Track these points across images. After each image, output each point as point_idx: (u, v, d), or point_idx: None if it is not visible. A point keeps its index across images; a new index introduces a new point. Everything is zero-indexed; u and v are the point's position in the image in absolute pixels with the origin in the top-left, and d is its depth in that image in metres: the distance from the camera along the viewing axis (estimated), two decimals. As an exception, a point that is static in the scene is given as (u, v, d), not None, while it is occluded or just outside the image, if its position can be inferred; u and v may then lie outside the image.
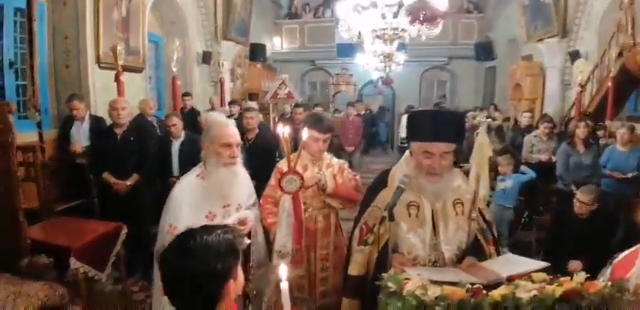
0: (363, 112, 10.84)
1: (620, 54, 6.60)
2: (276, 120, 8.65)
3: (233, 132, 2.31)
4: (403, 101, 15.02)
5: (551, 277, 1.56)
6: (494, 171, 6.11)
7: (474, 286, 1.31)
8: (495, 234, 2.15)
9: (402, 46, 9.99)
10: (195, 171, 2.35)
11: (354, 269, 2.03)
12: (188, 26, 8.54)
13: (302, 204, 2.50)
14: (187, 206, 2.18)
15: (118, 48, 5.53)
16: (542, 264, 1.83)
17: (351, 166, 8.49)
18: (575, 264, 3.30)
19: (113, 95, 5.14)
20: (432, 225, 1.96)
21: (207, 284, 1.23)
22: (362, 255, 1.99)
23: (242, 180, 2.39)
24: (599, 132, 6.17)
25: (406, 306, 1.22)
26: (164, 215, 2.23)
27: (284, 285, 1.15)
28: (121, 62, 5.53)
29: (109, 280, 3.59)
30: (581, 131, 4.86)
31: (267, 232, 2.79)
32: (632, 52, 5.76)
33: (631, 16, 5.64)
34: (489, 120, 4.44)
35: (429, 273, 1.71)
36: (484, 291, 1.28)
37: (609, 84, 6.70)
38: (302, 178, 2.38)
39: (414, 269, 1.74)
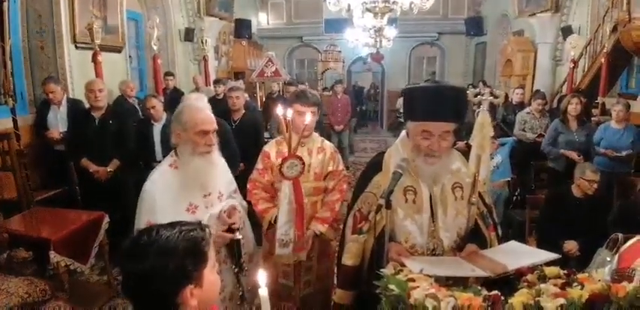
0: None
1: (614, 29, 6.46)
2: (264, 99, 8.46)
3: (208, 118, 2.08)
4: (392, 78, 14.83)
5: (566, 272, 1.47)
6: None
7: (492, 293, 1.20)
8: (496, 219, 2.05)
9: (393, 21, 9.74)
10: (167, 160, 2.15)
11: (348, 259, 1.91)
12: (169, 2, 8.18)
13: (302, 190, 2.39)
14: (164, 200, 1.99)
15: (94, 26, 5.24)
16: (552, 256, 1.73)
17: (341, 147, 8.42)
18: (570, 245, 3.27)
19: (91, 76, 4.90)
20: (430, 210, 1.84)
21: (157, 287, 1.07)
22: (357, 244, 1.88)
23: (220, 167, 2.23)
24: (595, 111, 6.11)
25: None
26: (138, 213, 2.03)
27: (262, 292, 1.02)
28: (98, 41, 5.26)
29: (94, 271, 3.47)
30: (573, 108, 4.76)
31: (255, 217, 2.68)
32: (627, 28, 5.62)
33: (628, -10, 5.47)
34: (491, 97, 4.30)
35: (431, 266, 1.61)
36: (502, 298, 1.17)
37: (603, 60, 6.59)
38: (303, 163, 2.26)
39: (414, 262, 1.63)
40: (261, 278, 1.03)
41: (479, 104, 2.19)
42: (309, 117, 2.41)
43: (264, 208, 2.67)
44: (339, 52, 11.41)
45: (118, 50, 6.27)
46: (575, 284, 1.30)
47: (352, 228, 1.91)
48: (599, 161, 4.64)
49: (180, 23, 8.61)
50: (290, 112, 2.29)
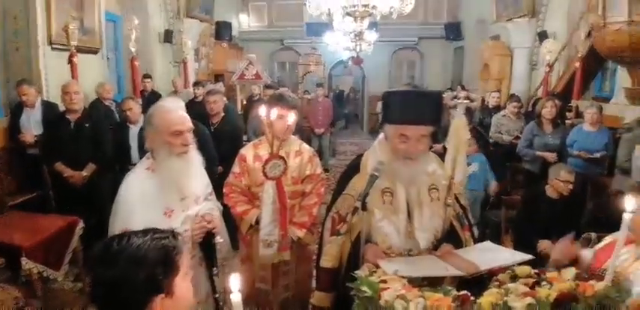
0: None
1: (588, 34, 6.63)
2: (244, 102, 8.42)
3: (181, 118, 2.04)
4: (373, 82, 14.93)
5: (537, 271, 1.49)
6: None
7: (461, 293, 1.21)
8: (471, 220, 2.08)
9: (373, 25, 9.80)
10: (143, 163, 2.11)
11: (327, 262, 1.91)
12: (148, 3, 8.12)
13: (285, 190, 2.39)
14: (140, 204, 1.94)
15: (70, 27, 5.15)
16: (525, 257, 1.76)
17: (321, 149, 8.42)
18: (544, 244, 3.31)
19: (67, 79, 4.81)
20: (407, 212, 1.86)
21: (126, 296, 1.05)
22: (335, 246, 1.88)
23: (197, 168, 2.20)
24: (569, 114, 6.26)
25: None
26: (113, 218, 1.98)
27: (235, 297, 1.01)
28: (74, 42, 5.17)
29: (68, 278, 3.39)
30: (547, 111, 4.87)
31: (233, 220, 2.66)
32: (601, 33, 5.75)
33: (602, -4, 5.61)
34: (467, 101, 4.39)
35: (407, 267, 1.62)
36: (472, 298, 1.18)
37: (577, 64, 6.76)
38: (285, 162, 2.26)
39: (390, 263, 1.64)
40: (234, 283, 1.02)
41: (455, 107, 2.23)
42: (292, 119, 2.41)
43: (243, 210, 2.64)
44: (320, 55, 11.46)
45: (95, 52, 6.17)
46: (544, 283, 1.32)
47: (330, 229, 1.91)
48: (573, 162, 4.74)
49: (159, 25, 8.53)
50: (274, 113, 2.28)
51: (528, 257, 1.73)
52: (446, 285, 1.65)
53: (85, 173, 3.96)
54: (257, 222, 2.54)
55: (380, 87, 13.52)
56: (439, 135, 2.09)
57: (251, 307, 2.81)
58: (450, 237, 1.90)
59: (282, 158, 2.24)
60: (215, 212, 2.19)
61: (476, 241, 2.03)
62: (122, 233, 1.16)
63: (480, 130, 6.18)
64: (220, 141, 3.79)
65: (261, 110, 2.19)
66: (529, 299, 1.14)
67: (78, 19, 5.67)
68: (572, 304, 1.17)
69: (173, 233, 1.18)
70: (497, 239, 3.98)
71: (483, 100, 7.45)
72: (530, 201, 3.58)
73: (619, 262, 1.54)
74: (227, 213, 2.61)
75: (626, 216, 1.35)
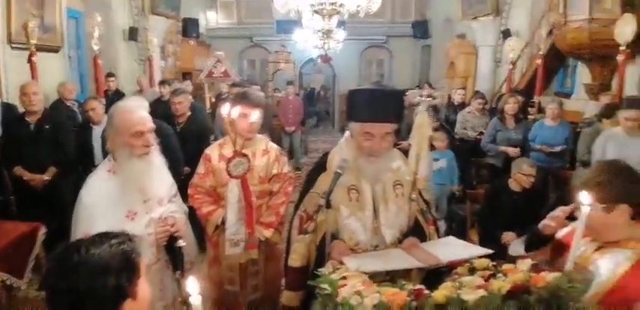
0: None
1: (550, 32, 6.85)
2: (212, 100, 8.32)
3: (141, 118, 2.00)
4: (344, 80, 14.99)
5: (494, 264, 1.52)
6: (430, 149, 6.27)
7: (416, 287, 1.24)
8: (435, 215, 2.13)
9: (341, 24, 9.83)
10: (105, 165, 2.07)
11: (295, 261, 1.92)
12: (112, 0, 7.88)
13: (250, 188, 2.37)
14: (102, 207, 1.91)
15: (30, 25, 4.98)
16: (484, 251, 1.81)
17: (292, 148, 8.38)
18: (508, 236, 3.42)
19: (27, 79, 4.65)
20: (373, 208, 1.90)
21: (95, 306, 1.04)
22: (303, 245, 1.89)
23: (160, 169, 2.16)
24: (531, 109, 6.46)
25: None
26: (74, 222, 1.94)
27: (194, 300, 1.01)
28: (34, 41, 5.01)
29: (32, 285, 3.28)
30: (510, 107, 5.02)
31: (198, 222, 2.63)
32: (562, 31, 5.97)
33: (563, -5, 5.82)
34: (429, 98, 4.46)
35: (370, 261, 1.65)
36: (426, 292, 1.21)
37: (539, 62, 6.98)
38: (249, 160, 2.24)
39: (355, 259, 1.67)
40: (192, 286, 1.01)
41: (418, 105, 2.27)
42: (255, 117, 2.39)
43: (208, 211, 2.60)
44: (290, 53, 11.41)
45: (56, 50, 5.98)
46: (500, 275, 1.36)
47: (298, 228, 1.92)
48: (535, 156, 4.90)
49: (123, 22, 8.32)
50: (235, 111, 2.25)
51: (488, 251, 1.78)
52: (412, 279, 1.69)
53: (46, 176, 3.83)
54: (223, 222, 2.52)
55: (350, 86, 13.44)
56: (403, 132, 2.13)
57: (220, 309, 2.80)
58: (415, 232, 1.94)
59: (245, 156, 2.22)
60: (178, 214, 2.16)
61: (440, 235, 2.09)
62: (77, 242, 1.14)
63: (446, 127, 6.31)
64: (187, 142, 3.72)
65: (223, 109, 2.17)
66: (481, 292, 1.17)
67: (38, 17, 5.50)
68: (524, 295, 1.20)
69: (129, 237, 1.17)
70: (464, 233, 4.09)
71: (450, 97, 7.60)
72: (493, 194, 3.69)
73: (579, 253, 1.60)
74: (194, 215, 2.58)
75: (584, 209, 1.40)
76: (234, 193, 2.35)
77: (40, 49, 5.25)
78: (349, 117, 1.92)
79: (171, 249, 2.03)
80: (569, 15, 5.81)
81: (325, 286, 1.27)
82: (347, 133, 2.01)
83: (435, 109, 6.73)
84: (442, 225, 5.05)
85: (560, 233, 1.78)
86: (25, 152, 3.81)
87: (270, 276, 2.78)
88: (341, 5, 4.85)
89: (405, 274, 1.73)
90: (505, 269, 1.38)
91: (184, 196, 2.64)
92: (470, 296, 1.15)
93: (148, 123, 2.03)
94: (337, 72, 15.46)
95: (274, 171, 2.70)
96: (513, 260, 1.55)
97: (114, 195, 1.96)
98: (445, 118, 6.61)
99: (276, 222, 2.63)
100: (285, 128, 8.31)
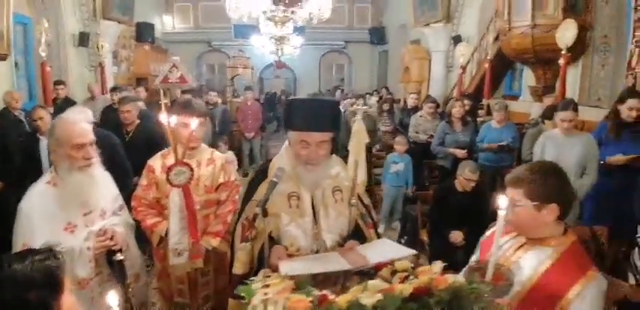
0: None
1: (496, 38, 7.15)
2: (168, 106, 8.17)
3: (83, 130, 1.99)
4: (304, 84, 15.09)
5: (413, 266, 1.56)
6: (386, 150, 6.41)
7: (320, 293, 1.27)
8: (375, 218, 2.18)
9: (301, 29, 9.91)
10: (45, 177, 2.04)
11: (238, 269, 1.90)
12: (61, 4, 7.66)
13: (192, 196, 2.33)
14: (41, 219, 1.88)
15: (-26, 32, 4.76)
16: (410, 252, 1.88)
17: (252, 154, 8.28)
18: (455, 235, 3.53)
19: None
20: (313, 214, 1.94)
21: None
22: (244, 253, 1.88)
23: (102, 182, 2.13)
24: (481, 112, 6.71)
25: None
26: (15, 234, 1.90)
27: None
28: (-22, 48, 4.78)
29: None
30: (457, 110, 5.20)
31: (143, 233, 2.57)
32: (507, 36, 6.25)
33: (507, 2, 6.08)
34: (365, 107, 4.61)
35: (302, 265, 1.68)
36: (331, 297, 1.24)
37: (487, 66, 7.27)
38: (192, 169, 2.22)
39: (289, 263, 1.71)
40: (112, 299, 1.04)
41: (353, 113, 2.34)
42: (195, 125, 2.37)
43: (152, 223, 2.54)
44: (248, 58, 11.39)
45: (2, 57, 5.74)
46: (412, 277, 1.39)
47: (241, 236, 1.93)
48: (484, 157, 5.10)
49: (73, 27, 8.08)
50: (174, 120, 2.22)
51: (412, 251, 1.85)
52: (353, 282, 1.73)
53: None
54: (167, 233, 2.47)
55: (311, 90, 13.70)
56: (340, 140, 2.18)
57: None
58: (355, 235, 1.99)
59: (186, 165, 2.20)
60: (119, 227, 2.12)
61: (380, 237, 2.14)
62: (1, 257, 1.14)
63: (400, 130, 6.47)
64: (136, 150, 3.64)
65: (162, 117, 2.16)
66: (378, 296, 1.20)
67: (-16, 23, 5.27)
68: (424, 298, 1.23)
69: (53, 252, 1.18)
70: (416, 232, 4.20)
71: (405, 101, 7.79)
72: (440, 195, 3.81)
73: (501, 251, 1.66)
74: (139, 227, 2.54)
75: (501, 213, 1.42)
76: (176, 202, 2.33)
77: (-15, 56, 5.04)
78: (287, 125, 1.96)
79: (110, 263, 2.01)
80: (513, 21, 6.09)
81: (243, 294, 1.30)
82: (287, 142, 2.04)
83: (390, 113, 6.90)
84: (397, 226, 5.18)
85: (484, 236, 1.85)
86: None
87: (221, 286, 2.72)
88: (293, 12, 4.90)
89: (349, 277, 1.77)
90: (419, 271, 1.42)
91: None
92: (368, 299, 1.20)
93: (89, 135, 2.02)
94: (298, 76, 15.57)
95: (221, 180, 2.67)
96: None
97: (53, 207, 1.93)
98: (399, 122, 6.77)
99: (223, 231, 2.59)
100: (245, 134, 8.25)
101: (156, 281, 2.74)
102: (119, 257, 1.99)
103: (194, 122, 2.31)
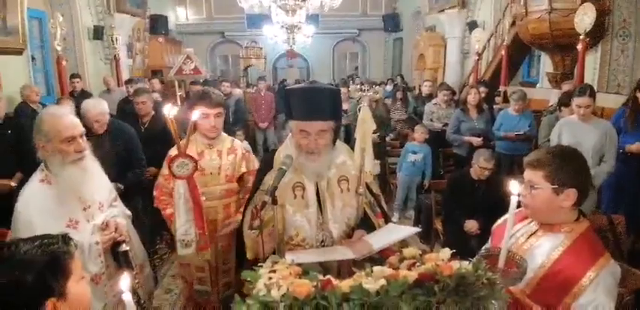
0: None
1: (513, 23, 7.00)
2: (183, 97, 8.24)
3: (71, 123, 1.93)
4: (318, 74, 15.02)
5: (421, 253, 1.55)
6: (400, 140, 6.37)
7: (324, 278, 1.28)
8: (384, 207, 2.16)
9: (314, 18, 9.83)
10: (36, 176, 1.95)
11: (249, 254, 1.96)
12: (75, -1, 7.74)
13: (198, 187, 2.32)
14: (41, 220, 1.81)
15: (-10, 28, 4.86)
16: (412, 230, 1.88)
17: (266, 144, 8.31)
18: (470, 224, 3.51)
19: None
20: (318, 204, 1.93)
21: (16, 300, 1.09)
22: (250, 240, 1.92)
23: (95, 174, 2.08)
24: (497, 98, 6.61)
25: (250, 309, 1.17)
26: (14, 235, 1.85)
27: (126, 296, 1.04)
28: (-6, 45, 4.88)
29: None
30: (472, 97, 5.11)
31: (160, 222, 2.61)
32: (523, 21, 6.12)
33: (524, -14, 5.95)
34: (370, 94, 4.53)
35: (311, 254, 1.69)
36: (335, 282, 1.24)
37: (503, 52, 7.14)
38: (194, 161, 2.20)
39: (296, 254, 1.72)
40: (124, 282, 1.05)
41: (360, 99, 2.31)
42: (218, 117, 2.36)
43: (172, 212, 2.56)
44: (261, 48, 11.34)
45: (18, 52, 5.85)
46: (419, 264, 1.38)
47: (249, 223, 1.95)
48: (501, 145, 5.04)
49: (87, 21, 8.17)
50: (195, 114, 2.23)
51: (415, 229, 1.88)
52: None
53: (13, 183, 3.75)
54: None
55: (325, 79, 13.65)
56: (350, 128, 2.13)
57: (190, 308, 2.81)
58: (364, 224, 1.99)
59: (189, 157, 2.19)
60: (120, 219, 2.12)
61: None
62: (11, 240, 1.19)
63: (414, 118, 6.42)
64: (152, 141, 3.69)
65: (165, 109, 2.08)
66: (382, 281, 1.20)
67: (-1, 19, 5.37)
68: (429, 283, 1.23)
69: (64, 238, 1.21)
70: (430, 221, 4.19)
71: (420, 89, 7.71)
72: (455, 183, 3.78)
73: (514, 239, 1.64)
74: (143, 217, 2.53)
75: (513, 199, 1.39)
76: (181, 194, 2.32)
77: (3, 51, 5.14)
78: (287, 115, 1.95)
79: (115, 254, 2.00)
80: (530, 6, 5.96)
81: (249, 279, 1.32)
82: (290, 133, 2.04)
83: (403, 102, 6.84)
84: (411, 215, 5.17)
85: (496, 223, 1.83)
86: (-13, 157, 3.74)
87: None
88: (304, 0, 4.86)
89: (359, 266, 1.77)
90: (426, 258, 1.41)
91: (152, 198, 2.68)
92: (371, 285, 1.21)
93: (79, 127, 1.97)
94: (311, 65, 15.49)
95: (243, 169, 2.70)
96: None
97: (51, 205, 1.88)
98: (413, 110, 6.71)
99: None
100: (259, 124, 8.29)
101: (178, 268, 2.76)
102: (124, 247, 1.99)
103: (215, 112, 2.31)
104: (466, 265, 1.31)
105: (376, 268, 1.29)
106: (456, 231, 3.57)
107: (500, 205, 3.33)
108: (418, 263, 1.38)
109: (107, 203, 2.14)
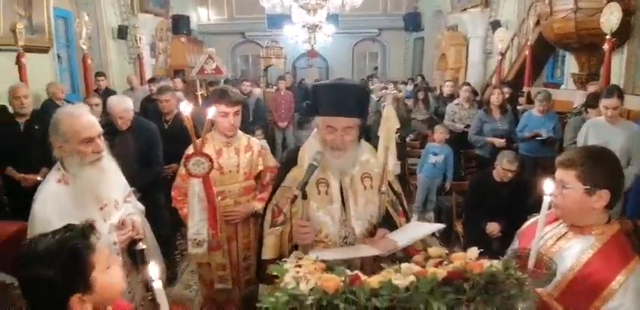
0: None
1: (537, 23, 6.88)
2: (205, 97, 8.32)
3: (90, 123, 1.88)
4: (337, 73, 15.01)
5: (447, 252, 1.53)
6: (421, 140, 6.32)
7: (353, 272, 1.29)
8: (406, 206, 2.16)
9: (334, 17, 9.81)
10: (53, 175, 1.91)
11: (267, 254, 1.95)
12: (100, -2, 7.89)
13: (213, 187, 2.32)
14: (57, 220, 1.74)
15: (18, 26, 4.99)
16: (436, 227, 1.86)
17: (285, 143, 8.33)
18: (492, 226, 3.48)
19: (16, 80, 4.67)
20: (342, 200, 1.94)
21: (43, 296, 1.10)
22: (273, 237, 1.93)
23: (112, 173, 2.05)
24: (521, 99, 6.50)
25: (278, 302, 1.17)
26: (31, 233, 1.82)
27: (157, 284, 1.04)
28: (21, 42, 5.01)
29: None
30: (495, 98, 5.05)
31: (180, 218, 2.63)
32: (548, 21, 6.02)
33: (550, -14, 5.84)
34: (394, 91, 4.49)
35: (332, 253, 1.69)
36: (363, 277, 1.24)
37: (527, 52, 7.02)
38: (210, 160, 2.19)
39: (320, 251, 1.72)
40: (153, 271, 1.05)
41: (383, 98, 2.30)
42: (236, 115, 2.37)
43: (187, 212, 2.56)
44: (281, 48, 11.40)
45: (44, 50, 6.00)
46: (446, 262, 1.38)
47: (271, 221, 1.96)
48: (525, 147, 4.96)
49: (112, 20, 8.33)
50: (212, 112, 2.21)
51: (439, 226, 1.86)
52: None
53: (39, 177, 3.84)
54: None
55: (344, 79, 13.61)
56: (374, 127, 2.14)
57: (209, 307, 2.81)
58: (386, 222, 1.98)
59: (205, 155, 2.18)
60: (136, 216, 2.11)
61: None
62: (36, 236, 1.19)
63: (435, 119, 6.36)
64: (175, 139, 3.74)
65: (182, 106, 2.10)
66: (411, 278, 1.20)
67: (26, 17, 5.51)
68: (459, 281, 1.23)
69: (83, 232, 1.20)
70: (450, 223, 4.15)
71: (441, 90, 7.64)
72: (477, 184, 3.73)
73: (543, 241, 1.63)
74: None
75: (546, 199, 1.38)
76: (195, 192, 2.31)
77: (29, 50, 5.27)
78: (314, 111, 1.96)
79: (132, 252, 2.00)
80: (555, 5, 5.85)
81: (275, 273, 1.32)
82: (315, 129, 2.03)
83: (425, 102, 6.78)
84: (431, 217, 5.12)
85: (524, 226, 1.81)
86: (15, 153, 3.84)
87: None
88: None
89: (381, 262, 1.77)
90: (453, 257, 1.41)
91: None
92: (401, 281, 1.20)
93: (97, 127, 1.93)
94: (330, 65, 15.49)
95: (260, 167, 2.71)
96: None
97: (69, 206, 1.84)
98: (434, 111, 6.65)
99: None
100: (278, 123, 8.32)
101: (197, 267, 2.75)
102: (142, 246, 1.98)
103: (234, 111, 2.32)
104: (496, 263, 1.29)
105: (404, 265, 1.28)
106: (477, 234, 3.52)
107: (522, 208, 3.33)
108: (445, 262, 1.37)
109: (122, 200, 2.12)
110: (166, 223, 3.55)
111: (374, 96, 6.29)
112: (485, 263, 1.29)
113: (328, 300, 1.17)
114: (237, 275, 2.68)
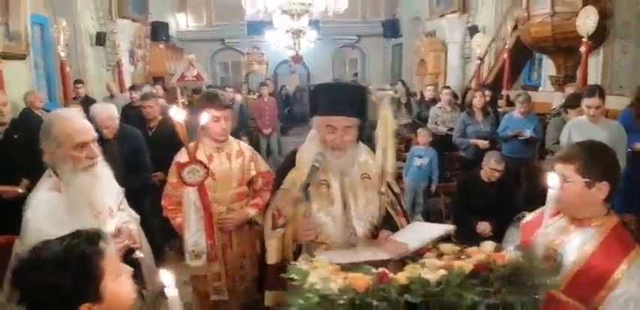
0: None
1: (514, 27, 7.04)
2: (186, 104, 8.22)
3: (83, 127, 1.80)
4: (317, 80, 15.04)
5: (460, 248, 1.56)
6: (404, 144, 6.36)
7: (379, 270, 1.28)
8: (405, 206, 2.17)
9: (315, 24, 9.86)
10: (45, 183, 1.83)
11: (271, 258, 1.93)
12: (77, 4, 7.77)
13: (208, 195, 2.26)
14: (50, 228, 1.68)
15: (-6, 33, 4.86)
16: (447, 228, 1.87)
17: (269, 149, 8.26)
18: (483, 226, 3.51)
19: (-8, 89, 4.53)
20: (342, 201, 1.93)
21: (48, 305, 1.03)
22: (275, 240, 1.91)
23: (105, 178, 1.97)
24: (500, 101, 6.62)
25: (309, 303, 1.15)
26: (22, 243, 1.76)
27: (170, 291, 1.01)
28: (-1, 49, 4.87)
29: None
30: (477, 100, 5.16)
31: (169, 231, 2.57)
32: (526, 25, 6.17)
33: (526, -10, 6.00)
34: (392, 92, 4.53)
35: (341, 256, 1.67)
36: (390, 275, 1.25)
37: (505, 56, 7.17)
38: (206, 167, 2.13)
39: (327, 254, 1.70)
40: (167, 278, 1.01)
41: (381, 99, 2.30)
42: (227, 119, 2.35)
43: (182, 221, 2.50)
44: (263, 54, 11.41)
45: (21, 57, 5.85)
46: (464, 257, 1.40)
47: (272, 225, 1.94)
48: (507, 148, 5.04)
49: (90, 27, 8.19)
50: (203, 118, 2.18)
51: (451, 227, 1.86)
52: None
53: (20, 189, 3.71)
54: None
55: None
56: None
57: None
58: (387, 223, 1.98)
59: (201, 163, 2.13)
60: (132, 225, 2.05)
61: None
62: (41, 242, 1.12)
63: (418, 122, 6.42)
64: (159, 146, 3.68)
65: (171, 111, 2.05)
66: (442, 271, 1.21)
67: (2, 24, 5.38)
68: (485, 273, 1.25)
69: (91, 237, 1.13)
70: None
71: (422, 94, 7.73)
72: (465, 185, 3.77)
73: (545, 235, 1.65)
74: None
75: (551, 192, 1.42)
76: (191, 201, 2.26)
77: (5, 57, 5.13)
78: (312, 111, 1.95)
79: (129, 261, 1.88)
80: (532, 9, 6.01)
81: (294, 276, 1.30)
82: (313, 131, 2.03)
83: (407, 106, 6.85)
84: (420, 219, 5.14)
85: (525, 220, 1.82)
86: (-5, 162, 3.70)
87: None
88: (310, 4, 4.89)
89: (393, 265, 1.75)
90: (469, 252, 1.42)
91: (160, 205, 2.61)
92: (432, 275, 1.20)
93: (92, 131, 1.84)
94: (311, 72, 15.53)
95: (253, 172, 2.65)
96: None
97: (62, 214, 1.77)
98: (417, 115, 6.72)
99: (262, 204, 2.45)
100: (262, 130, 8.25)
101: (190, 279, 2.64)
102: (139, 255, 1.92)
103: (225, 115, 2.30)
104: (518, 254, 1.31)
105: (428, 260, 1.29)
106: (467, 234, 3.54)
107: (510, 207, 3.37)
108: (463, 257, 1.38)
109: (116, 207, 2.05)
110: (157, 232, 3.47)
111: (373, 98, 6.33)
112: (507, 254, 1.31)
113: (361, 299, 1.16)
114: (233, 286, 2.58)
